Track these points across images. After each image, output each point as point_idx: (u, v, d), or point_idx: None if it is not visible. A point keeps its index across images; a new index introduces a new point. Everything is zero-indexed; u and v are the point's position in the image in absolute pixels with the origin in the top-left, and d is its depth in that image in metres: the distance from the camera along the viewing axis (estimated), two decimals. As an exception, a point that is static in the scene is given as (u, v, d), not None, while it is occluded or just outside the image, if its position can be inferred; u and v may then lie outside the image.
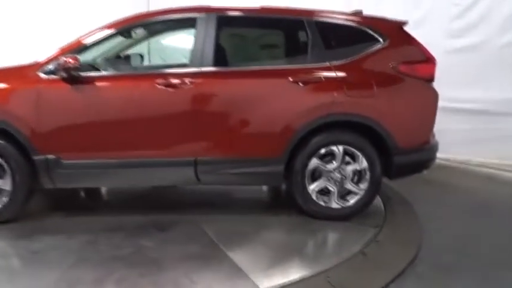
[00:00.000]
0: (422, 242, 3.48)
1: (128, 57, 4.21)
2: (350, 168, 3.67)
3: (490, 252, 3.39)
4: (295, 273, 2.89)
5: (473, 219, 4.06)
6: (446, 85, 5.70)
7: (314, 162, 3.63)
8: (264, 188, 4.59)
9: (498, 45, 5.84)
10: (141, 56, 4.52)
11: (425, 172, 3.94)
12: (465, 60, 5.96)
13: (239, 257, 3.07)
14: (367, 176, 3.67)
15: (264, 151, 3.57)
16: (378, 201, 4.18)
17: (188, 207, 4.02)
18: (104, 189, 4.58)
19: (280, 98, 3.53)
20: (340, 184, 3.67)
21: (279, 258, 3.10)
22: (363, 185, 3.69)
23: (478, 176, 5.54)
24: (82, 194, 4.47)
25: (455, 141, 5.99)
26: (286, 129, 3.53)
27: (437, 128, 5.86)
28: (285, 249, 3.24)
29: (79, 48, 3.54)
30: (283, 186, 4.36)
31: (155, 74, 3.59)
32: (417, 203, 4.31)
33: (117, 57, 4.05)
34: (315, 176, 3.70)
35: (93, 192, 4.52)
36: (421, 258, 3.24)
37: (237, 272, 2.89)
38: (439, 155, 5.92)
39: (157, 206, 4.08)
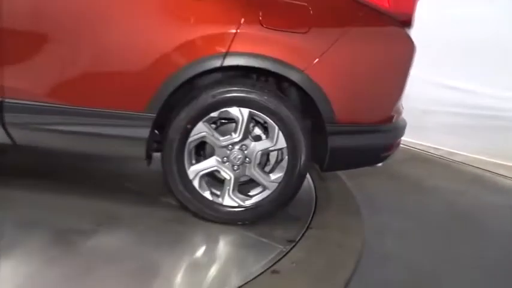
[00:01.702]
0: (351, 277, 2.17)
1: None
2: (259, 147, 2.30)
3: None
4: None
5: (441, 240, 2.77)
6: (444, 56, 4.52)
7: (201, 129, 2.25)
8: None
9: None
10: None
11: (379, 165, 2.59)
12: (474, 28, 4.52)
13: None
14: (285, 162, 2.32)
15: (114, 100, 2.17)
16: (309, 200, 2.84)
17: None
18: None
19: (149, 16, 2.12)
20: (240, 169, 2.32)
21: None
22: (276, 176, 2.34)
23: (461, 175, 4.20)
24: None
25: (441, 128, 4.68)
26: (154, 69, 2.13)
27: (421, 107, 4.56)
28: (104, 273, 1.88)
29: None
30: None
31: None
32: (370, 207, 2.97)
33: None
34: (205, 151, 2.35)
35: None
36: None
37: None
38: (417, 142, 4.77)
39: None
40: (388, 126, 2.45)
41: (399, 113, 2.51)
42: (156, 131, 2.35)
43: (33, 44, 2.11)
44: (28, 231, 2.08)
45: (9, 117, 2.16)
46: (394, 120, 2.46)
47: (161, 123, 2.28)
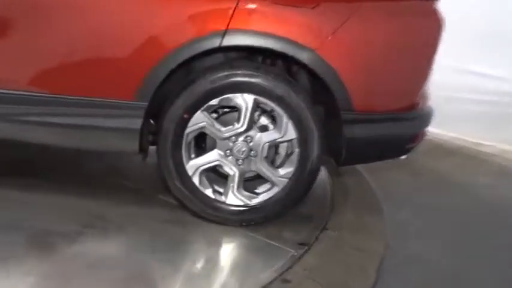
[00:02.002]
0: (373, 285, 1.91)
1: None
2: (265, 138, 2.04)
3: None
4: None
5: (469, 240, 2.48)
6: (468, 38, 4.17)
7: (200, 119, 1.99)
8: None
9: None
10: None
11: (404, 157, 2.30)
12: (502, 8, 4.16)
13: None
14: (295, 155, 2.05)
15: (100, 88, 1.93)
16: (324, 198, 2.56)
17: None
18: None
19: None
20: (245, 164, 2.06)
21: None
22: (285, 171, 2.07)
23: (488, 167, 3.86)
24: None
25: (465, 117, 4.34)
26: (141, 52, 1.88)
27: (443, 95, 4.26)
28: (86, 283, 1.63)
29: None
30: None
31: None
32: (392, 205, 2.68)
33: None
34: (206, 144, 2.09)
35: None
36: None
37: None
38: (439, 132, 4.43)
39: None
40: (413, 114, 2.16)
41: (425, 99, 2.23)
42: (152, 121, 2.12)
43: (9, 28, 1.88)
44: (5, 235, 1.85)
45: (-14, 108, 1.95)
46: (419, 107, 2.18)
47: (159, 113, 2.05)
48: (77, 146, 2.07)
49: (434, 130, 4.08)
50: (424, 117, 2.22)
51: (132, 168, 2.65)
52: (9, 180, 2.26)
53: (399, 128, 2.14)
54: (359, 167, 3.00)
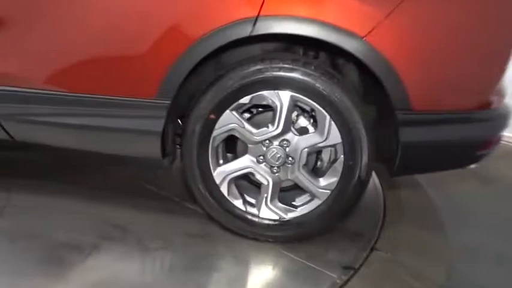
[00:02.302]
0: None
1: None
2: (304, 143, 1.75)
3: None
4: None
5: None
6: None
7: (229, 119, 1.74)
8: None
9: None
10: None
11: (473, 166, 1.93)
12: None
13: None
14: (340, 162, 1.75)
15: (118, 85, 1.71)
16: (375, 212, 2.22)
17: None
18: None
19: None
20: (281, 172, 1.79)
21: None
22: (328, 181, 1.77)
23: None
24: None
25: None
26: (162, 44, 1.64)
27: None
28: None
29: None
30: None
31: None
32: (458, 222, 2.28)
33: None
34: (236, 148, 1.85)
35: None
36: None
37: None
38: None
39: None
40: (485, 114, 1.78)
41: (501, 96, 1.84)
42: (180, 122, 1.90)
43: (22, 22, 1.72)
44: (16, 245, 1.70)
45: (2, 108, 1.80)
46: (493, 106, 1.80)
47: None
48: (95, 149, 1.88)
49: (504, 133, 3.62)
50: (500, 118, 1.84)
51: (158, 172, 2.44)
52: (21, 183, 2.13)
53: (468, 130, 1.77)
54: (418, 177, 2.63)
